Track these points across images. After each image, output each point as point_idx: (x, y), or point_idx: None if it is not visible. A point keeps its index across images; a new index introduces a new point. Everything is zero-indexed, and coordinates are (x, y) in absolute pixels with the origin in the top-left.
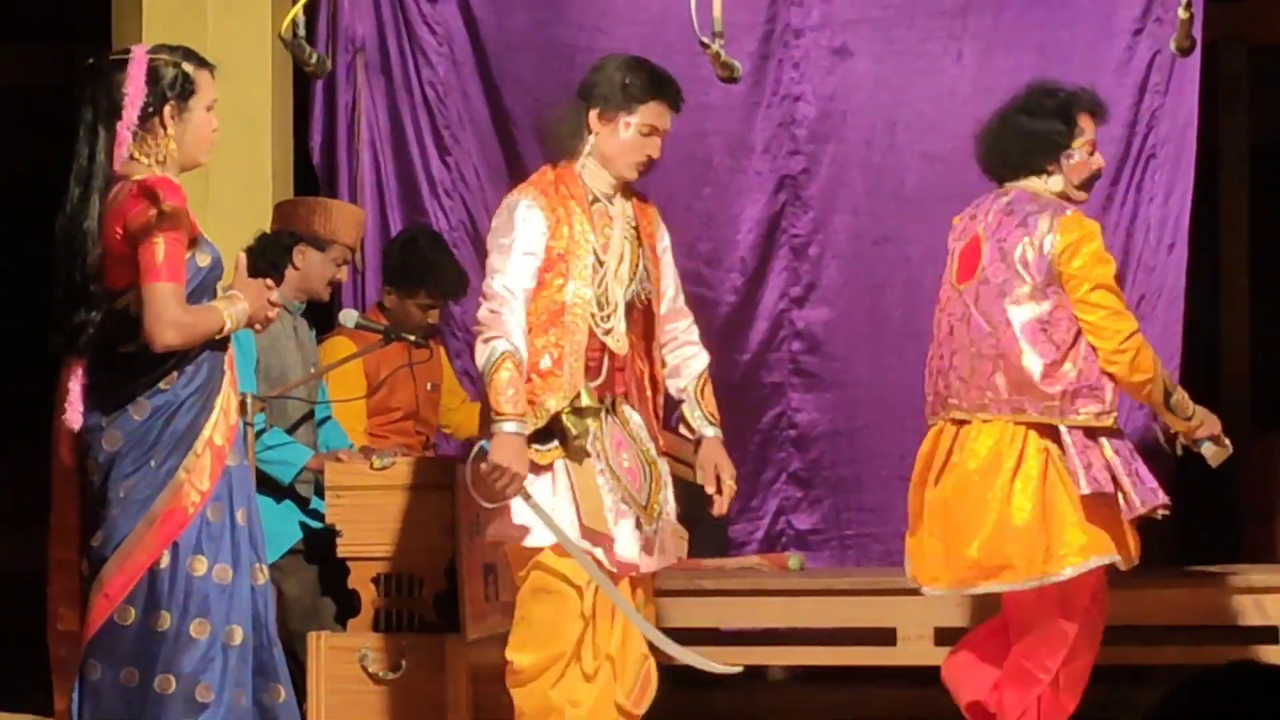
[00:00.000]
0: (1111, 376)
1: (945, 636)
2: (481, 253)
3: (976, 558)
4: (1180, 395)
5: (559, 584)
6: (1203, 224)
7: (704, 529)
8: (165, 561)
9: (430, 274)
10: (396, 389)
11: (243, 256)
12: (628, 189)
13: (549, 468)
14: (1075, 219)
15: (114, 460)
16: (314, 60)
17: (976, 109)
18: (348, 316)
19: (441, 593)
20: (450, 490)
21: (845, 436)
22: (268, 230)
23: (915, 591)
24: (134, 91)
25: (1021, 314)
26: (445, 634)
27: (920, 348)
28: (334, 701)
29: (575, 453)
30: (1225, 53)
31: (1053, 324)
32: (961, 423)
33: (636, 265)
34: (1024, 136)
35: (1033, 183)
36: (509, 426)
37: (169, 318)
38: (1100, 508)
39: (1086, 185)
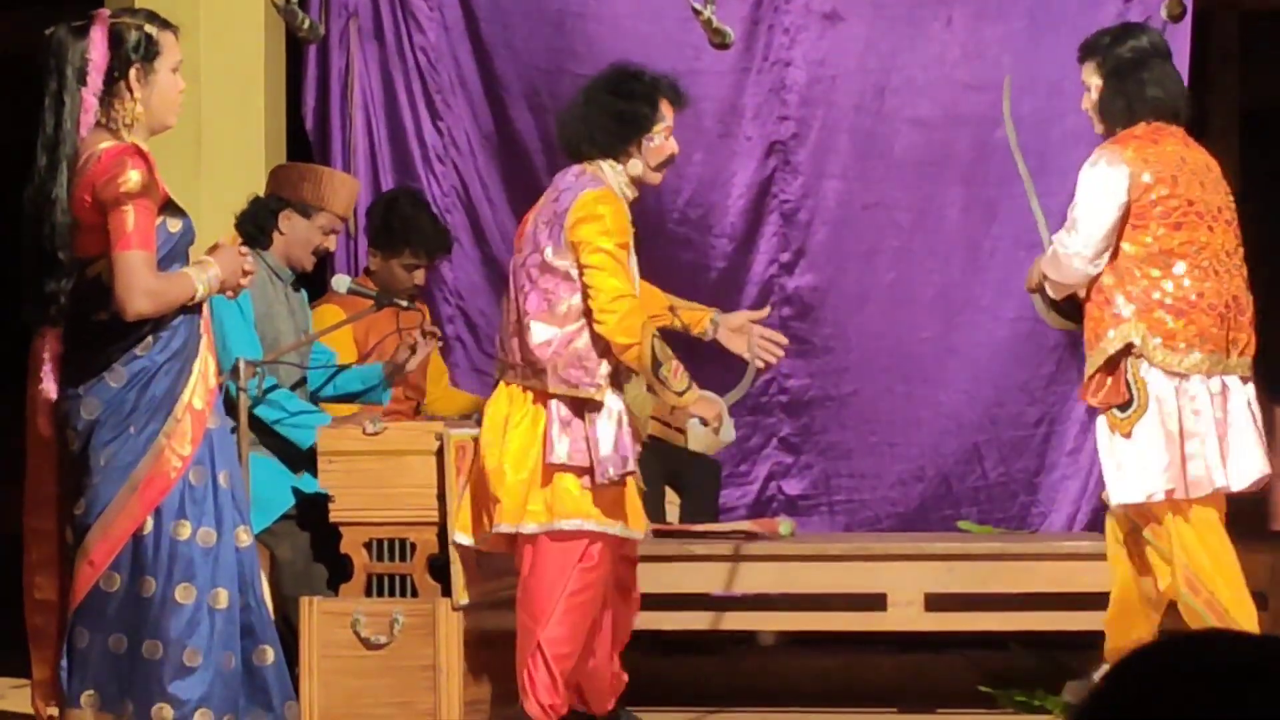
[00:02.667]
0: (602, 338)
1: (935, 602)
2: (473, 218)
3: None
4: (674, 366)
5: None
6: None
7: (694, 495)
8: (149, 527)
9: (412, 233)
10: (385, 355)
11: (224, 239)
12: None
13: None
14: (592, 195)
15: (93, 428)
16: (306, 26)
17: (966, 75)
18: (340, 282)
19: (433, 557)
20: (441, 455)
21: (835, 402)
22: (260, 195)
23: (906, 557)
24: (98, 57)
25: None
26: (437, 599)
27: (910, 313)
28: (326, 666)
29: None
30: (1216, 19)
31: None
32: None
33: None
34: (611, 117)
35: (605, 166)
36: None
37: (140, 286)
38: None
39: (661, 168)
